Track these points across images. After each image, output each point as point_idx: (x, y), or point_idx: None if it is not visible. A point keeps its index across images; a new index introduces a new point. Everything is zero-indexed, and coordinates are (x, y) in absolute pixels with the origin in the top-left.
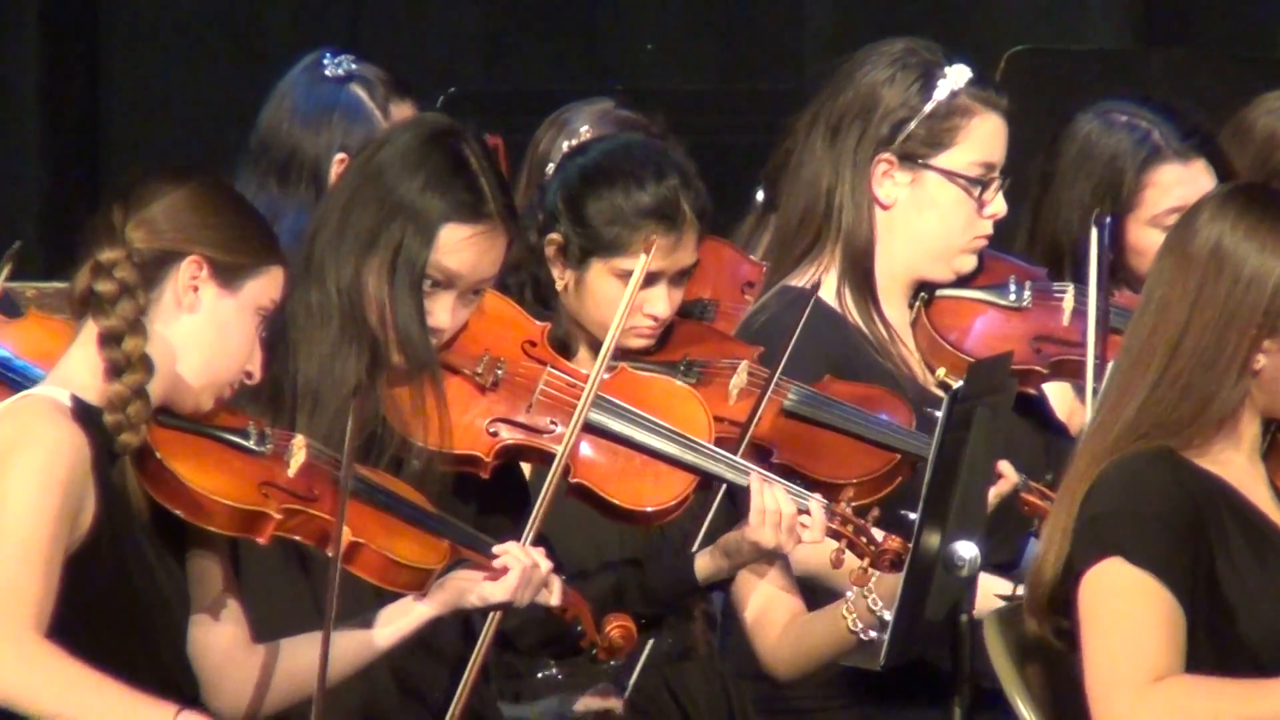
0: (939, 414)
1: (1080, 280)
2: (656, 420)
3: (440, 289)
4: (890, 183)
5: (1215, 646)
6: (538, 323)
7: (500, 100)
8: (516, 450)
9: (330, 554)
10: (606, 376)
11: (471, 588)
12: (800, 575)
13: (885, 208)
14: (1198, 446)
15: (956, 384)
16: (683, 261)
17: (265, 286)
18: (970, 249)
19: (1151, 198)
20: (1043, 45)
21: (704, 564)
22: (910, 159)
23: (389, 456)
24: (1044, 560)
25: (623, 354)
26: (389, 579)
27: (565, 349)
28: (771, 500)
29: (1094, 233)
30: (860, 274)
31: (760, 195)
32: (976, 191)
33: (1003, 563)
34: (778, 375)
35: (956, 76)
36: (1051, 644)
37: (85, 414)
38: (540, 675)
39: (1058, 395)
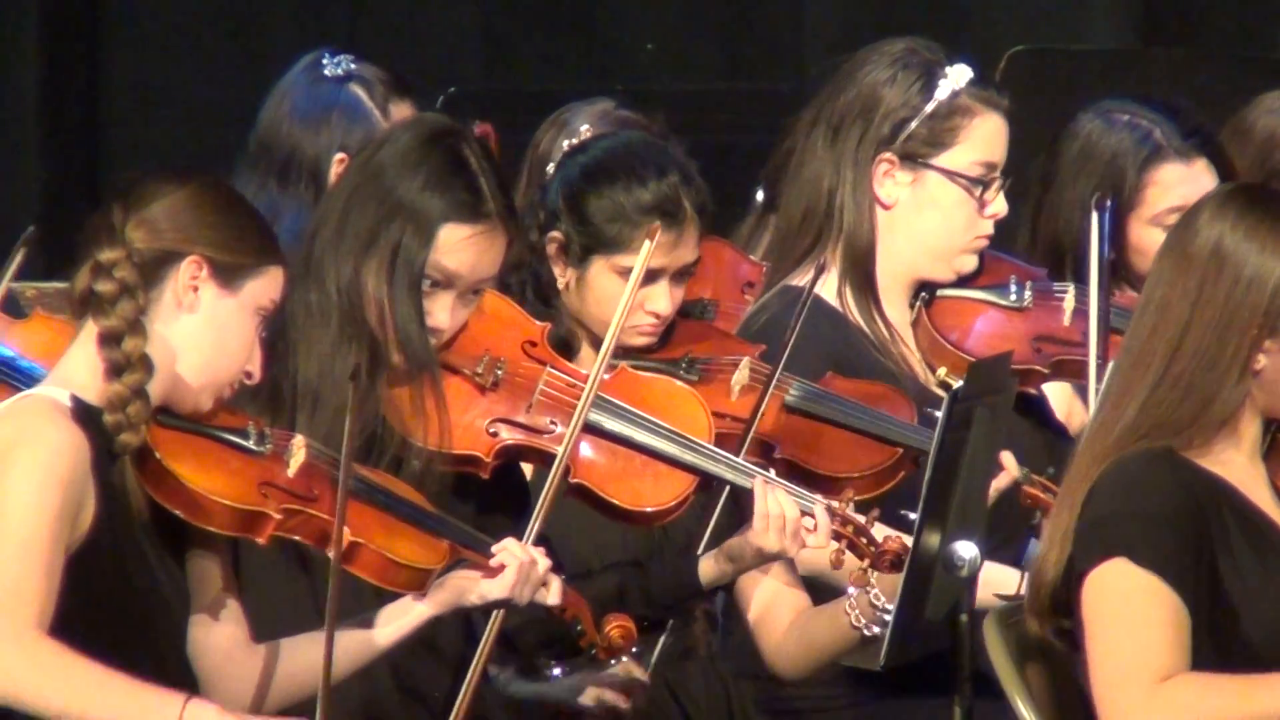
0: (939, 414)
1: (1081, 279)
2: (656, 420)
3: (439, 289)
4: (891, 182)
5: (1217, 646)
6: (538, 323)
7: (500, 100)
8: (516, 450)
9: (330, 554)
10: (606, 377)
11: (471, 587)
12: (802, 575)
13: (886, 208)
14: (1198, 447)
15: (957, 384)
16: (684, 259)
17: (265, 286)
18: (971, 249)
19: (1153, 197)
20: (1043, 45)
21: (708, 568)
22: (911, 159)
23: (389, 457)
24: (1045, 561)
25: (625, 352)
26: (388, 579)
27: (567, 348)
28: (775, 505)
29: (1094, 217)
30: (861, 274)
31: (760, 195)
32: (977, 191)
33: (1004, 562)
34: (780, 369)
35: (958, 76)
36: (1053, 645)
37: (85, 414)
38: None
39: (1057, 395)
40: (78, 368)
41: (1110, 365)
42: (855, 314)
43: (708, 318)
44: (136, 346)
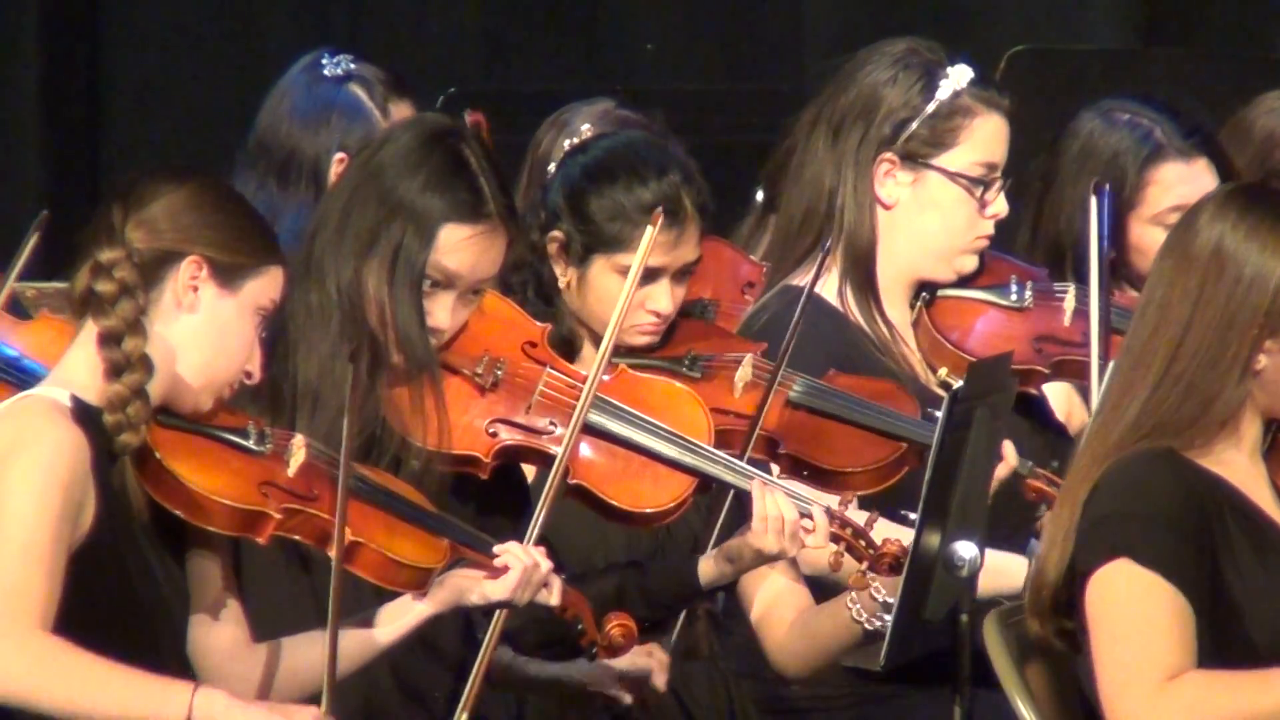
0: (940, 414)
1: (1081, 278)
2: (656, 422)
3: (440, 289)
4: (892, 183)
5: (1218, 646)
6: (538, 323)
7: (500, 100)
8: (515, 451)
9: (330, 553)
10: (606, 378)
11: (472, 586)
12: (805, 575)
13: (887, 208)
14: (1199, 447)
15: (958, 384)
16: (685, 257)
17: (265, 286)
18: (972, 249)
19: (1153, 195)
20: (1044, 45)
21: (707, 569)
22: (912, 159)
23: (388, 457)
24: (1046, 561)
25: (627, 351)
26: (389, 578)
27: (569, 347)
28: (774, 506)
29: (1093, 202)
30: (862, 274)
31: (760, 195)
32: (978, 192)
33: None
34: (784, 365)
35: (959, 77)
36: (1054, 645)
37: (85, 414)
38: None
39: (1057, 395)
40: (77, 368)
41: (1110, 365)
42: (856, 314)
43: (708, 318)
44: (136, 346)
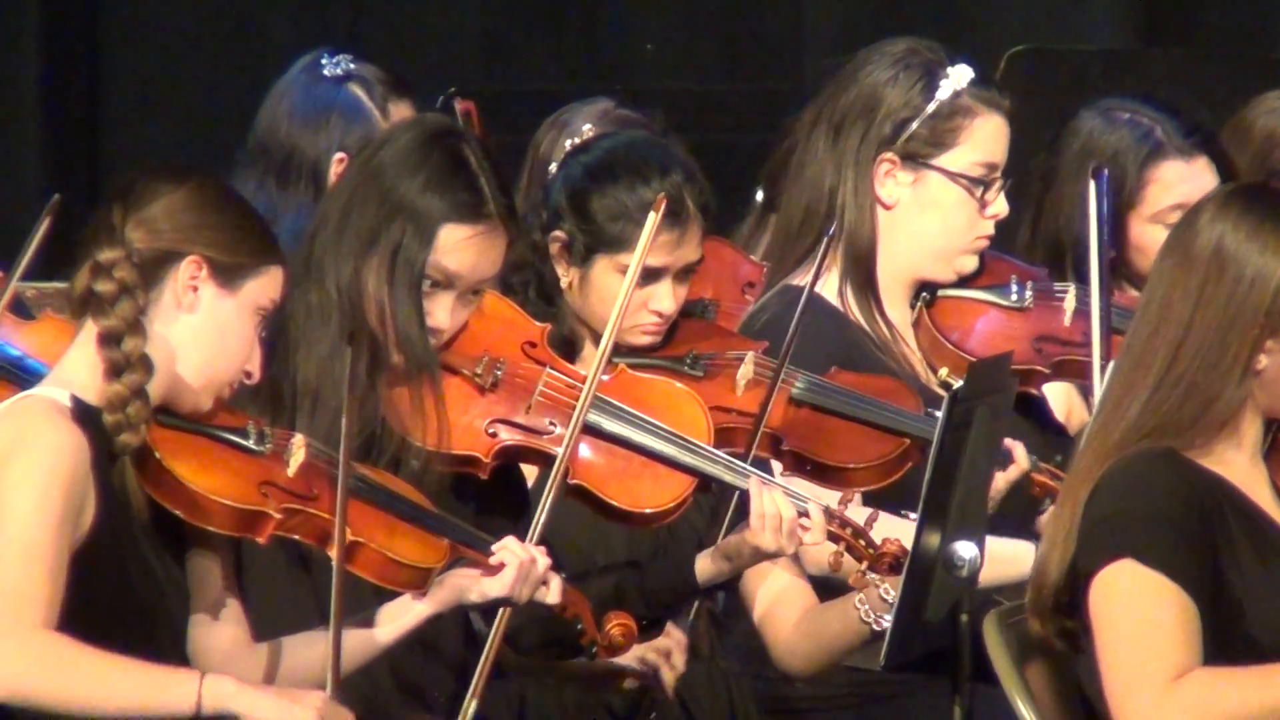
0: (940, 414)
1: (1082, 278)
2: (655, 422)
3: (440, 289)
4: (893, 183)
5: (1220, 646)
6: (537, 323)
7: (500, 100)
8: (515, 451)
9: (330, 553)
10: (605, 378)
11: (471, 585)
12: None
13: (887, 208)
14: (1200, 447)
15: (958, 384)
16: (687, 257)
17: (265, 286)
18: (972, 249)
19: (1154, 194)
20: (1044, 45)
21: (704, 567)
22: (913, 159)
23: (388, 456)
24: (1048, 561)
25: (628, 351)
26: (389, 578)
27: (570, 347)
28: (771, 504)
29: (1091, 186)
30: (862, 274)
31: (760, 195)
32: (978, 192)
33: None
34: (786, 361)
35: (959, 77)
36: (1054, 645)
37: (85, 414)
38: None
39: (1057, 395)
40: (77, 368)
41: (1111, 365)
42: (856, 314)
43: (708, 318)
44: (136, 346)
